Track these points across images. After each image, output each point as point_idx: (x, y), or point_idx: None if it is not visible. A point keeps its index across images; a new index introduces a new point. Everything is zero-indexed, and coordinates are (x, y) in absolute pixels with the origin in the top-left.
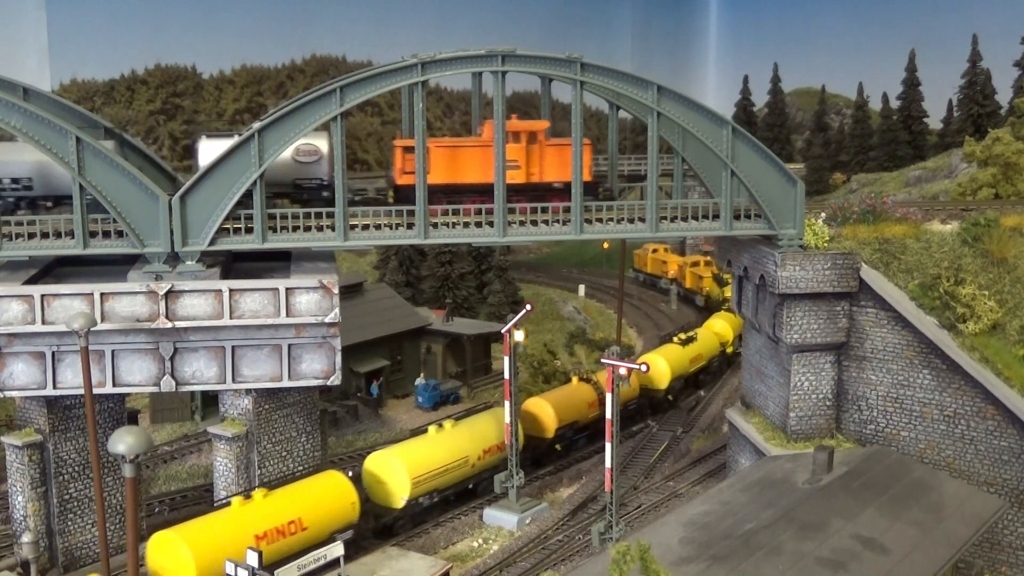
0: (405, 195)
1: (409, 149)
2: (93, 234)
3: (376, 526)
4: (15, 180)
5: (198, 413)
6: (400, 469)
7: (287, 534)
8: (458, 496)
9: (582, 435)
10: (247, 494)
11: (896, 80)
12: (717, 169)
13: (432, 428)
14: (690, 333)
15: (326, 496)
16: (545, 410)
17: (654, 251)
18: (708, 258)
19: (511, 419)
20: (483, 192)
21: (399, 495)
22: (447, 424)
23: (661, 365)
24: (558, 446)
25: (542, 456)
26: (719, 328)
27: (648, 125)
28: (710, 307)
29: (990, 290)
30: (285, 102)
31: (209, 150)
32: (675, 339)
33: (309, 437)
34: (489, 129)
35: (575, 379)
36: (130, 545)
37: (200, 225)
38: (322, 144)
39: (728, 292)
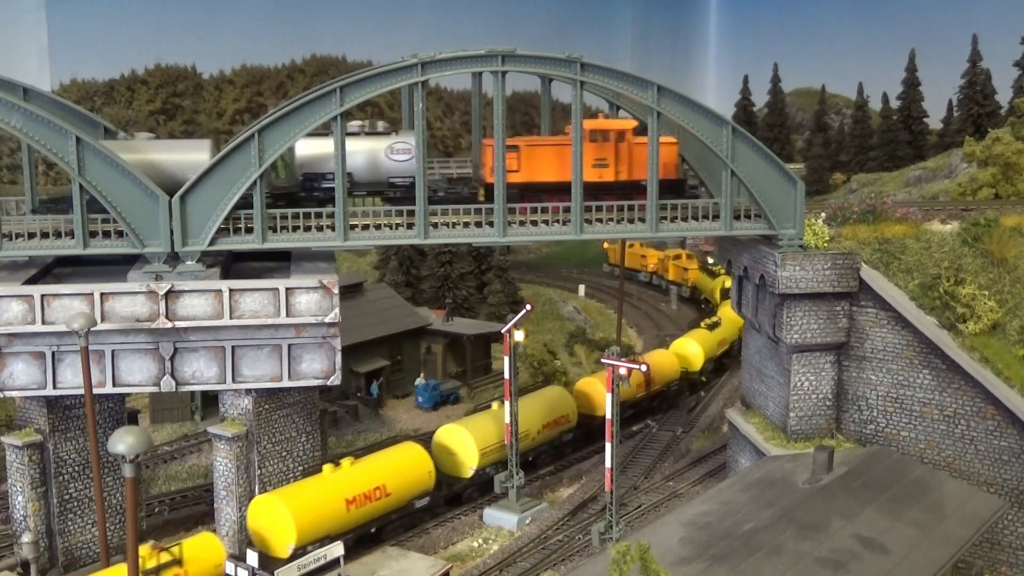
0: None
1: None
2: (93, 234)
3: (448, 494)
4: None
5: (198, 413)
6: (469, 441)
7: (373, 499)
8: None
9: (630, 413)
10: (336, 462)
11: (896, 80)
12: (717, 169)
13: (495, 404)
14: (714, 319)
15: (406, 465)
16: (597, 389)
17: (630, 245)
18: (688, 251)
19: (511, 419)
20: (570, 190)
21: (468, 465)
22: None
23: (695, 348)
24: None
25: (596, 432)
26: (733, 314)
27: (648, 125)
28: (695, 297)
29: (990, 290)
30: (285, 102)
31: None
32: (703, 324)
33: (309, 437)
34: (582, 128)
35: None
36: (130, 545)
37: (200, 225)
38: (415, 142)
39: (722, 282)
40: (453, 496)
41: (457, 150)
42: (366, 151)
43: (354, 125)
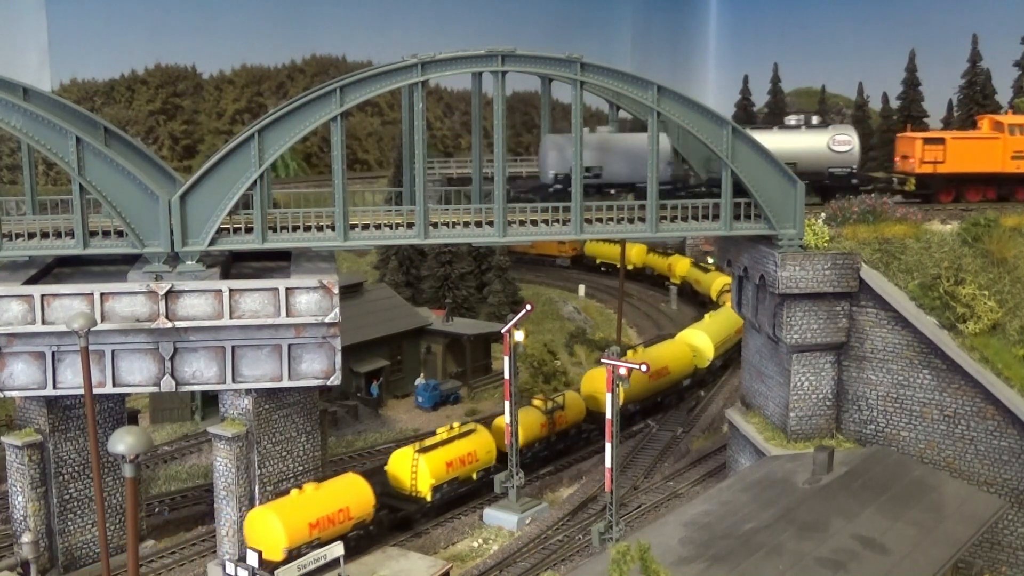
0: (925, 183)
1: (930, 141)
2: (93, 234)
3: (696, 378)
4: (587, 168)
5: (198, 413)
6: (706, 339)
7: (663, 375)
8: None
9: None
10: (633, 347)
11: (896, 80)
12: (717, 169)
13: (708, 316)
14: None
15: (678, 354)
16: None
17: None
18: None
19: (511, 420)
20: (990, 181)
21: (707, 356)
22: (707, 317)
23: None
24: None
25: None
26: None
27: (648, 125)
28: (590, 265)
29: (990, 290)
30: (285, 102)
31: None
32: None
33: (309, 437)
34: (988, 123)
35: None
36: (130, 545)
37: (200, 225)
38: (854, 136)
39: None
40: (699, 380)
41: (457, 150)
42: (808, 144)
43: (792, 119)
